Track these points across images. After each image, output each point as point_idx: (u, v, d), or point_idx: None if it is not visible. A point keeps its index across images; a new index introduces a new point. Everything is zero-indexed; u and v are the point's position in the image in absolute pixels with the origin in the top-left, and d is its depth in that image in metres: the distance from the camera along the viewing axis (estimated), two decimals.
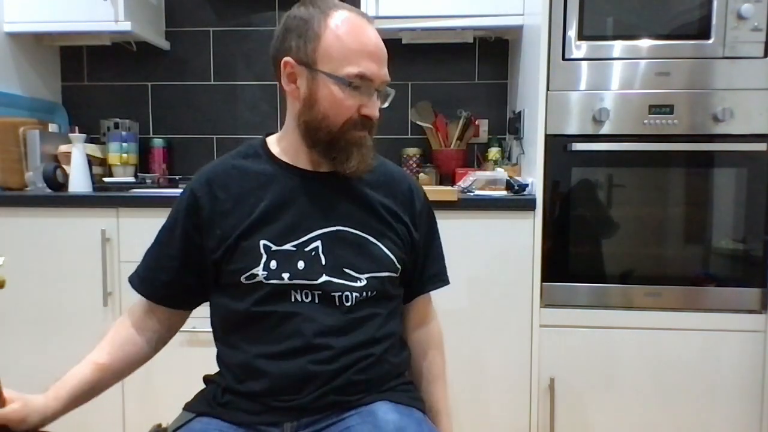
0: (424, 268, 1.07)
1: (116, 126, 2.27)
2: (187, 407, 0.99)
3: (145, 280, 1.03)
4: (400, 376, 1.02)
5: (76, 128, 2.13)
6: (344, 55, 0.89)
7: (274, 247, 0.93)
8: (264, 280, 0.92)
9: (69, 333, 1.75)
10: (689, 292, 1.64)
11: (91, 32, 2.10)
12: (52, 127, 2.15)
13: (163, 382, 1.70)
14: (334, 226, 0.96)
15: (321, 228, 0.95)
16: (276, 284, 0.92)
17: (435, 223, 1.10)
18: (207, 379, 1.03)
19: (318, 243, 0.95)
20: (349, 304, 0.94)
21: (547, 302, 1.67)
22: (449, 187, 1.81)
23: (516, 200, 1.65)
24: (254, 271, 0.92)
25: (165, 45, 2.31)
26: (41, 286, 1.75)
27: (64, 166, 1.92)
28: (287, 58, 0.93)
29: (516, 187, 1.69)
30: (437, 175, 2.17)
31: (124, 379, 1.01)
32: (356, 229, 0.97)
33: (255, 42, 2.32)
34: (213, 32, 2.33)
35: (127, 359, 1.00)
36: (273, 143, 1.03)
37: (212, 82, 2.35)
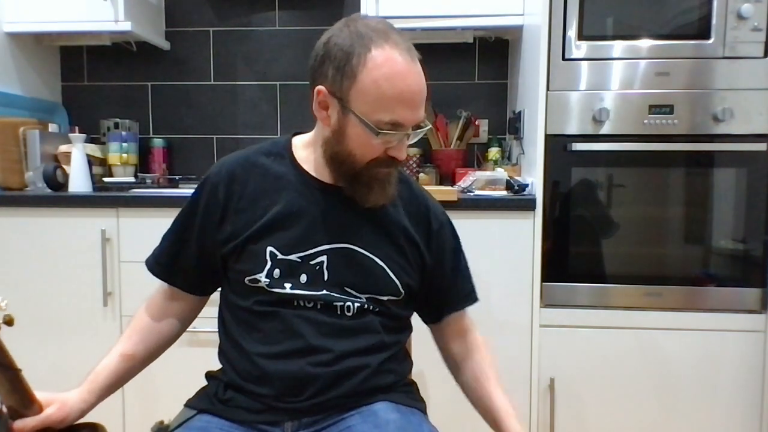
0: (452, 289, 1.07)
1: (116, 126, 2.27)
2: (189, 404, 0.99)
3: (162, 265, 1.03)
4: (402, 375, 1.02)
5: (76, 128, 2.13)
6: (378, 101, 0.85)
7: (280, 256, 0.93)
8: (266, 287, 0.93)
9: (69, 333, 1.75)
10: (689, 292, 1.64)
11: (91, 32, 2.10)
12: (52, 127, 2.15)
13: (163, 382, 1.69)
14: (343, 243, 0.95)
15: (329, 243, 0.94)
16: (278, 292, 0.93)
17: (458, 242, 1.08)
18: (209, 375, 1.03)
19: (324, 258, 0.94)
20: (350, 313, 0.94)
21: (547, 302, 1.67)
22: (449, 187, 1.81)
23: (516, 200, 1.65)
24: (257, 276, 0.93)
25: (165, 45, 2.31)
26: (41, 286, 1.75)
27: (64, 166, 1.92)
28: (321, 87, 0.89)
29: (516, 187, 1.69)
30: (437, 175, 2.17)
31: (150, 364, 1.04)
32: (365, 249, 0.95)
33: (255, 42, 2.32)
34: (213, 32, 2.33)
35: (151, 347, 1.02)
36: (299, 147, 1.01)
37: (212, 82, 2.35)
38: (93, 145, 2.17)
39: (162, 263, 1.03)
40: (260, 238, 0.94)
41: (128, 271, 1.72)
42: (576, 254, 1.67)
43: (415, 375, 1.11)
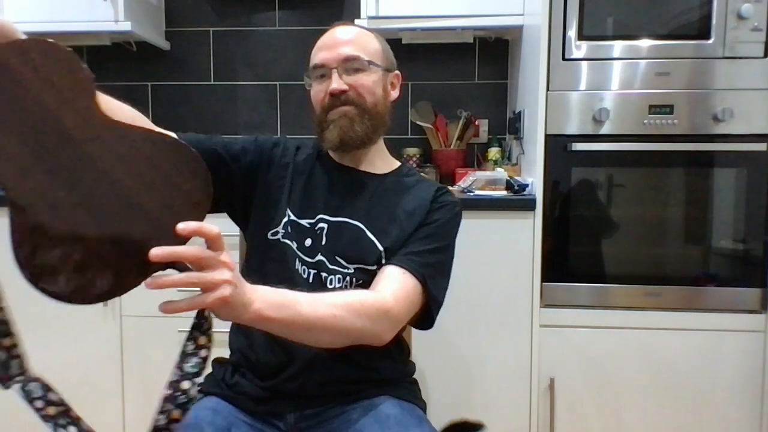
0: (402, 248, 0.97)
1: None
2: None
3: (188, 135, 1.00)
4: (404, 374, 1.03)
5: None
6: (312, 55, 1.03)
7: (292, 217, 1.00)
8: (282, 238, 0.99)
9: (69, 333, 1.75)
10: (689, 292, 1.64)
11: (91, 32, 2.09)
12: None
13: (163, 382, 1.70)
14: (344, 217, 1.00)
15: (332, 215, 1.00)
16: (287, 245, 0.98)
17: (441, 226, 1.00)
18: (216, 360, 1.04)
19: (325, 225, 0.99)
20: (332, 286, 0.95)
21: (547, 302, 1.67)
22: (449, 187, 1.81)
23: (516, 200, 1.65)
24: (277, 229, 1.00)
25: (165, 45, 2.31)
26: None
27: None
28: None
29: (516, 187, 1.69)
30: (437, 175, 2.17)
31: None
32: (359, 221, 0.99)
33: (255, 42, 2.32)
34: (213, 32, 2.33)
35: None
36: None
37: (212, 82, 2.35)
38: None
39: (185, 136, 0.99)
40: (282, 200, 1.03)
41: None
42: (576, 254, 1.67)
43: (416, 375, 1.11)
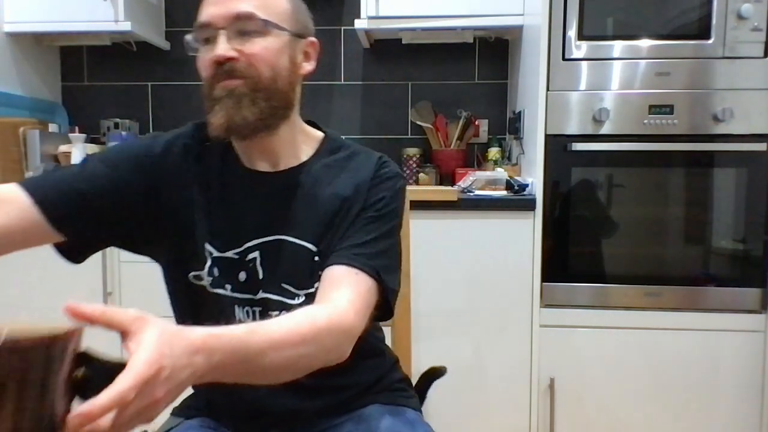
0: (341, 242, 0.85)
1: (116, 126, 2.27)
2: (176, 412, 0.96)
3: (38, 182, 0.84)
4: (387, 369, 0.99)
5: (76, 128, 2.13)
6: (199, 10, 0.81)
7: (216, 253, 0.85)
8: (209, 287, 0.85)
9: None
10: (689, 292, 1.64)
11: (91, 32, 2.09)
12: (52, 127, 2.15)
13: None
14: (274, 235, 0.85)
15: (261, 237, 0.85)
16: (220, 295, 0.85)
17: (392, 217, 0.89)
18: (195, 385, 1.00)
19: (257, 254, 0.85)
20: None
21: (547, 302, 1.67)
22: (449, 187, 1.81)
23: (516, 200, 1.65)
24: (200, 273, 0.85)
25: (165, 45, 2.31)
26: (41, 287, 1.75)
27: (64, 166, 1.92)
28: None
29: (516, 187, 1.69)
30: (437, 175, 2.17)
31: None
32: (297, 238, 0.85)
33: None
34: None
35: None
36: None
37: None
38: (93, 145, 2.17)
39: (41, 181, 0.84)
40: (196, 231, 0.86)
41: (128, 271, 1.72)
42: (576, 254, 1.67)
43: (415, 375, 1.11)
